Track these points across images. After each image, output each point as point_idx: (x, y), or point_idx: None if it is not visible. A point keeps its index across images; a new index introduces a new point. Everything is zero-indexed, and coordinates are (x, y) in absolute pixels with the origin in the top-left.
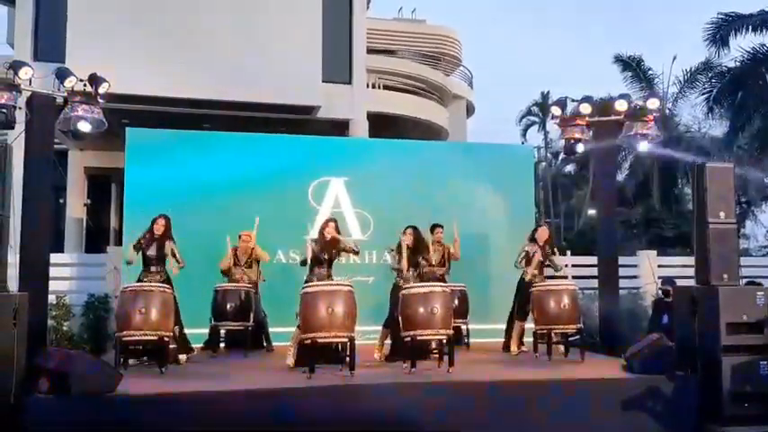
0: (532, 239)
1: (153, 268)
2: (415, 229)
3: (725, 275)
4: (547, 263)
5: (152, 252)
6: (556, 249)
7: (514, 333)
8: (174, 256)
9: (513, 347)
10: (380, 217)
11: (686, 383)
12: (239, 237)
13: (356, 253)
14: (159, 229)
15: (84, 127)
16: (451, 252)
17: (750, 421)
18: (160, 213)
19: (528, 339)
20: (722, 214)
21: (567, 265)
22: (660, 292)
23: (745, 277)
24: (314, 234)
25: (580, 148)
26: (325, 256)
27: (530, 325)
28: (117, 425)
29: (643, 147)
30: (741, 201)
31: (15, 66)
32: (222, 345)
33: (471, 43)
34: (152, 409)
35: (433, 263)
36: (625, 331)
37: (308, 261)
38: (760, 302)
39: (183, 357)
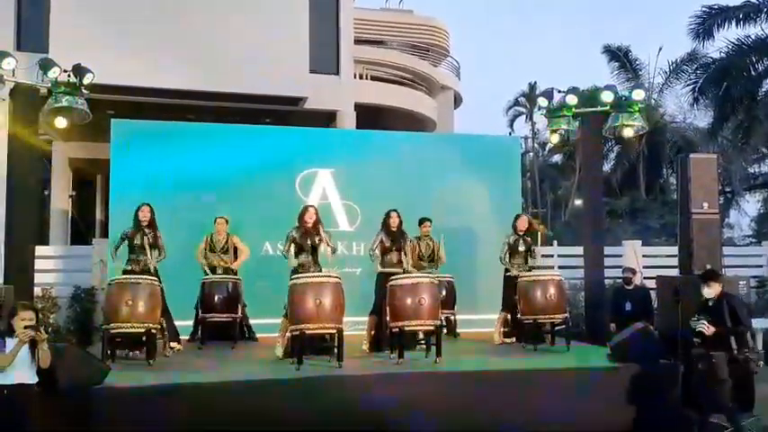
0: (514, 230)
1: (139, 257)
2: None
3: (708, 265)
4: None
5: (138, 241)
6: (540, 235)
7: (497, 323)
8: (157, 245)
9: (496, 337)
10: (368, 208)
11: (670, 372)
12: (214, 221)
13: (333, 250)
14: (145, 215)
15: (59, 122)
16: (439, 254)
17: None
18: (144, 202)
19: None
20: (705, 205)
21: (553, 255)
22: (622, 280)
23: (727, 266)
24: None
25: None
26: (308, 242)
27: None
28: (104, 418)
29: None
30: (725, 190)
31: None
32: (208, 336)
33: (459, 34)
34: (140, 401)
35: (423, 256)
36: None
37: (291, 251)
38: (742, 292)
39: (176, 345)
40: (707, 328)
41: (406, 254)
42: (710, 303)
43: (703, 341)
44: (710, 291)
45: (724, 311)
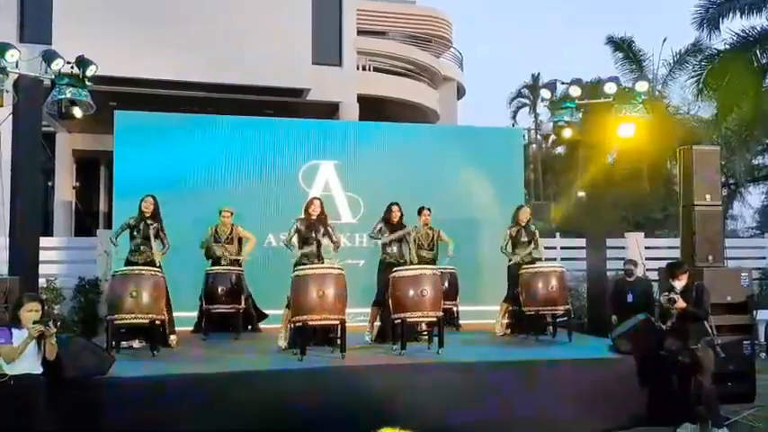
0: (515, 221)
1: (141, 248)
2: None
3: (710, 257)
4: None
5: (140, 232)
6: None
7: (499, 314)
8: (159, 237)
9: (498, 328)
10: (371, 200)
11: (670, 363)
12: (219, 212)
13: (335, 246)
14: (148, 207)
15: (76, 113)
16: (442, 237)
17: (733, 400)
18: (148, 193)
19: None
20: (708, 197)
21: (555, 247)
22: (624, 272)
23: (730, 258)
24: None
25: (569, 132)
26: (313, 235)
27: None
28: (109, 407)
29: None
30: (729, 182)
31: (1, 48)
32: (212, 327)
33: (461, 24)
34: (144, 392)
35: (423, 244)
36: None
37: (294, 241)
38: (744, 283)
39: (173, 338)
40: (678, 298)
41: (410, 248)
42: (678, 291)
43: (674, 331)
44: (680, 284)
45: (692, 296)
